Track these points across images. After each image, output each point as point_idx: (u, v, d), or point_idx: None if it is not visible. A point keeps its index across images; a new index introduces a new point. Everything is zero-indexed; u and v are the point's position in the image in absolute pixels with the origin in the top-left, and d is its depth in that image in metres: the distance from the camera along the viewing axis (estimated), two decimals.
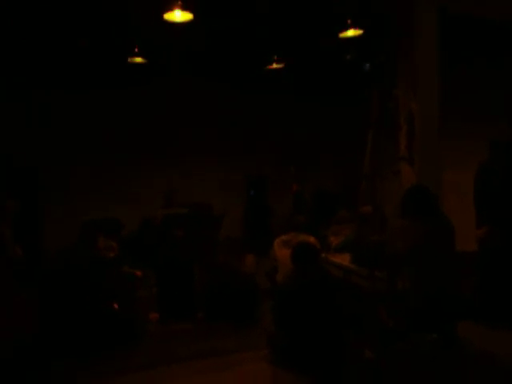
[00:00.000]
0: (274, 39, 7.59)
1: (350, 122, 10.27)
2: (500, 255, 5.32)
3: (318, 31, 7.30)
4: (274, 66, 8.73)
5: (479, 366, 4.23)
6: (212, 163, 10.68)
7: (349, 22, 6.77)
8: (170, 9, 6.04)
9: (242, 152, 10.77)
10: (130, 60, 8.16)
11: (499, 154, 5.56)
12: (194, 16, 6.18)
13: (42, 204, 9.12)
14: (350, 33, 6.97)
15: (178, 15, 6.17)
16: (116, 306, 5.21)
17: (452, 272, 3.90)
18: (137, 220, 9.01)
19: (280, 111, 10.85)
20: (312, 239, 5.31)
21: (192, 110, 10.32)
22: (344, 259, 4.97)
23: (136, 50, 7.95)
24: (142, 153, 10.05)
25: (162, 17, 6.16)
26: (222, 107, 10.51)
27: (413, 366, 4.12)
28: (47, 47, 7.63)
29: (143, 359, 4.61)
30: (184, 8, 6.04)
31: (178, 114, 10.24)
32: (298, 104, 10.85)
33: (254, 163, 10.76)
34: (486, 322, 5.12)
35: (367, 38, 7.01)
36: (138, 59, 8.16)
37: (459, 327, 4.00)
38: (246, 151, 10.78)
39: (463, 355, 4.21)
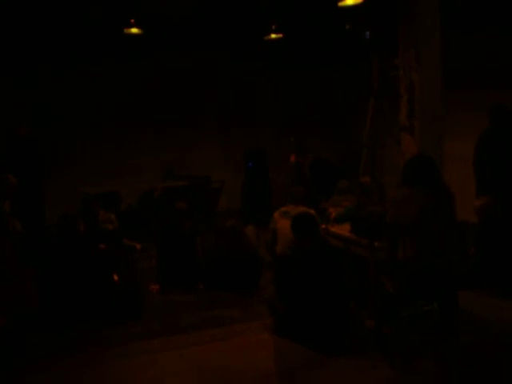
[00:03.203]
0: (272, 7, 7.45)
1: (350, 91, 10.19)
2: (499, 225, 5.34)
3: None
4: (273, 36, 8.60)
5: (480, 334, 4.27)
6: (211, 136, 10.61)
7: None
8: None
9: (241, 124, 10.69)
10: (125, 31, 8.03)
11: (499, 121, 5.52)
12: None
13: (42, 178, 9.05)
14: (350, 1, 6.84)
15: None
16: (116, 277, 5.22)
17: (453, 240, 3.90)
18: (136, 193, 9.00)
19: (279, 82, 10.74)
20: (312, 211, 5.31)
21: (191, 83, 10.21)
22: (344, 230, 4.97)
23: (132, 20, 7.82)
24: (142, 126, 9.96)
25: None
26: (220, 78, 10.39)
27: (414, 335, 4.15)
28: (50, 18, 7.48)
29: (144, 330, 4.62)
30: None
31: (177, 87, 10.13)
32: (298, 74, 10.73)
33: (253, 135, 10.67)
34: (487, 291, 5.16)
35: (367, 6, 6.88)
36: (134, 30, 8.02)
37: (460, 295, 4.01)
38: (245, 123, 10.69)
39: (464, 323, 4.24)
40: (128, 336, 4.49)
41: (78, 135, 9.41)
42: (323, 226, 5.17)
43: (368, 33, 6.84)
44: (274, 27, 8.38)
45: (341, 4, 6.86)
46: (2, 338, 4.33)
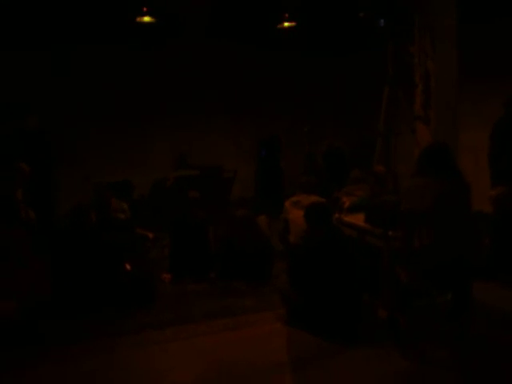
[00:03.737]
0: None
1: (364, 80, 10.08)
2: None
3: None
4: (286, 24, 8.51)
5: (493, 325, 4.23)
6: (224, 124, 10.56)
7: None
8: None
9: (255, 112, 10.62)
10: (138, 19, 8.00)
11: None
12: None
13: (54, 167, 9.08)
14: None
15: None
16: (128, 266, 5.22)
17: (468, 230, 3.85)
18: (147, 182, 8.99)
19: (293, 70, 10.66)
20: (323, 200, 5.27)
21: (203, 72, 10.16)
22: (358, 219, 4.92)
23: (144, 9, 7.79)
24: (154, 116, 9.94)
25: None
26: (232, 67, 10.33)
27: (427, 325, 4.12)
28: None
29: (156, 319, 4.62)
30: None
31: (190, 75, 10.09)
32: (311, 63, 10.65)
33: (266, 123, 10.62)
34: (501, 282, 5.11)
35: None
36: (147, 18, 7.99)
37: (474, 286, 3.96)
38: (258, 111, 10.62)
39: (477, 314, 4.20)
40: (140, 325, 4.48)
41: (89, 125, 9.39)
42: (336, 216, 5.13)
43: (382, 20, 6.75)
44: (286, 16, 8.31)
45: None
46: (14, 327, 4.33)
